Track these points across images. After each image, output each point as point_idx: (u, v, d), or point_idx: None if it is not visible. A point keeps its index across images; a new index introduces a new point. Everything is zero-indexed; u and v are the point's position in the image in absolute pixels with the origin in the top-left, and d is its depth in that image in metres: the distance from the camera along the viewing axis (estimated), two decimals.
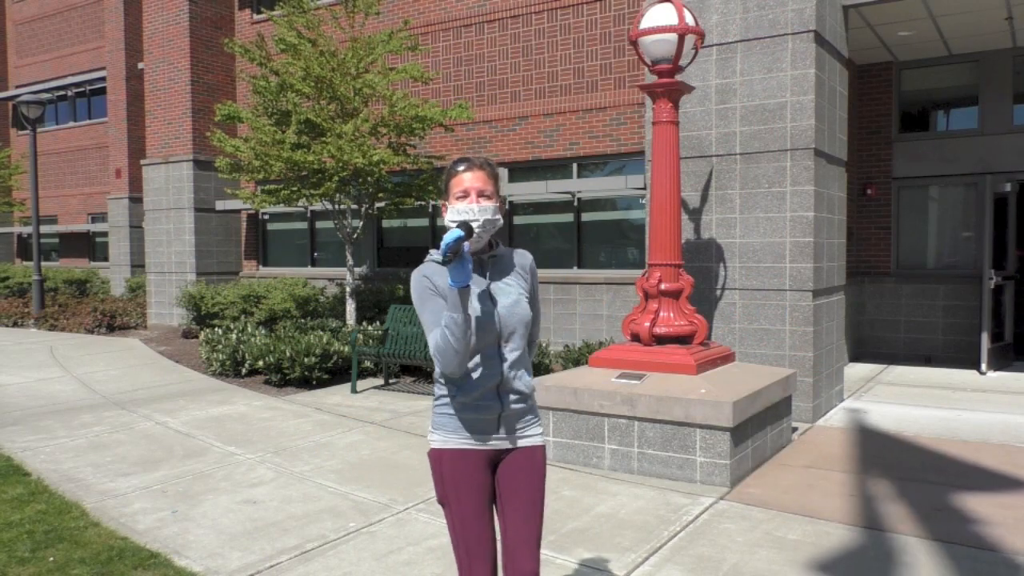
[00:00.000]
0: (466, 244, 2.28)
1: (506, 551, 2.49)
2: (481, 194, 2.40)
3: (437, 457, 2.49)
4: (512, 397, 2.49)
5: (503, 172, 11.35)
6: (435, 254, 2.30)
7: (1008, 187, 9.65)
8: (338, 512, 4.70)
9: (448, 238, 2.21)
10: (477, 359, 2.43)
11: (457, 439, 2.47)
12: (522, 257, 2.57)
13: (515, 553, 2.46)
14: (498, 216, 2.43)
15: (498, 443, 2.51)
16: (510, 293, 2.47)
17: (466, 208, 2.38)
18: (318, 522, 4.54)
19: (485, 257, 2.48)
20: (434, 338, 2.34)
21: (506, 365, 2.45)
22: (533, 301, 2.58)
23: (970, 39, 9.51)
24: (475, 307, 2.40)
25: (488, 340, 2.42)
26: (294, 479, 5.38)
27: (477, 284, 2.45)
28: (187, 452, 6.09)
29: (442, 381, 2.49)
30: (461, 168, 2.44)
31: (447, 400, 2.48)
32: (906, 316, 10.61)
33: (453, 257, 2.20)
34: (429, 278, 2.40)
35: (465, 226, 2.31)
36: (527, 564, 2.45)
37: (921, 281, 10.51)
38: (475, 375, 2.43)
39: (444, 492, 2.48)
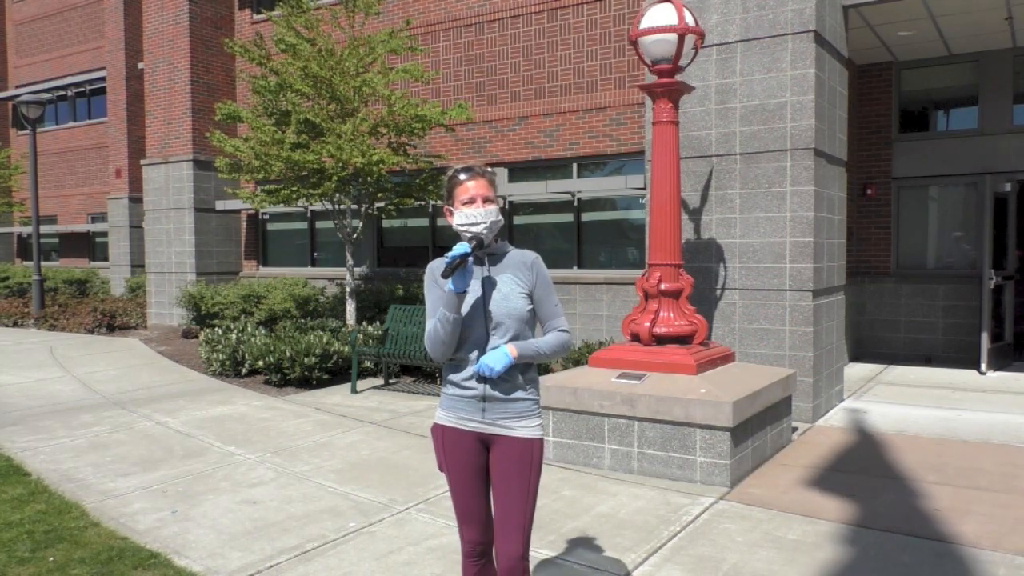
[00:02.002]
0: (471, 257, 2.58)
1: (496, 533, 2.71)
2: (486, 200, 2.67)
3: (438, 431, 2.79)
4: (496, 383, 2.67)
5: (502, 172, 11.36)
6: (449, 255, 2.58)
7: (1008, 187, 9.65)
8: (338, 512, 4.70)
9: (456, 251, 2.54)
10: (468, 344, 2.68)
11: (449, 417, 2.75)
12: (523, 256, 2.77)
13: (501, 537, 2.67)
14: (500, 217, 2.71)
15: (482, 427, 2.70)
16: (502, 287, 2.69)
17: (474, 212, 2.64)
18: (318, 522, 4.54)
19: (482, 253, 2.73)
20: (430, 324, 2.67)
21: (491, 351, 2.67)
22: (540, 294, 2.74)
23: (970, 39, 9.51)
24: (470, 297, 2.66)
25: (477, 327, 2.66)
26: (294, 479, 5.38)
27: (475, 276, 2.70)
28: (187, 452, 6.09)
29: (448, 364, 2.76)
30: (464, 177, 2.69)
31: (448, 382, 2.76)
32: (906, 316, 10.61)
33: (453, 271, 2.53)
34: (434, 272, 2.74)
35: (475, 239, 2.61)
36: (510, 549, 2.64)
37: (921, 281, 10.51)
38: (464, 358, 2.68)
39: (441, 463, 2.79)
